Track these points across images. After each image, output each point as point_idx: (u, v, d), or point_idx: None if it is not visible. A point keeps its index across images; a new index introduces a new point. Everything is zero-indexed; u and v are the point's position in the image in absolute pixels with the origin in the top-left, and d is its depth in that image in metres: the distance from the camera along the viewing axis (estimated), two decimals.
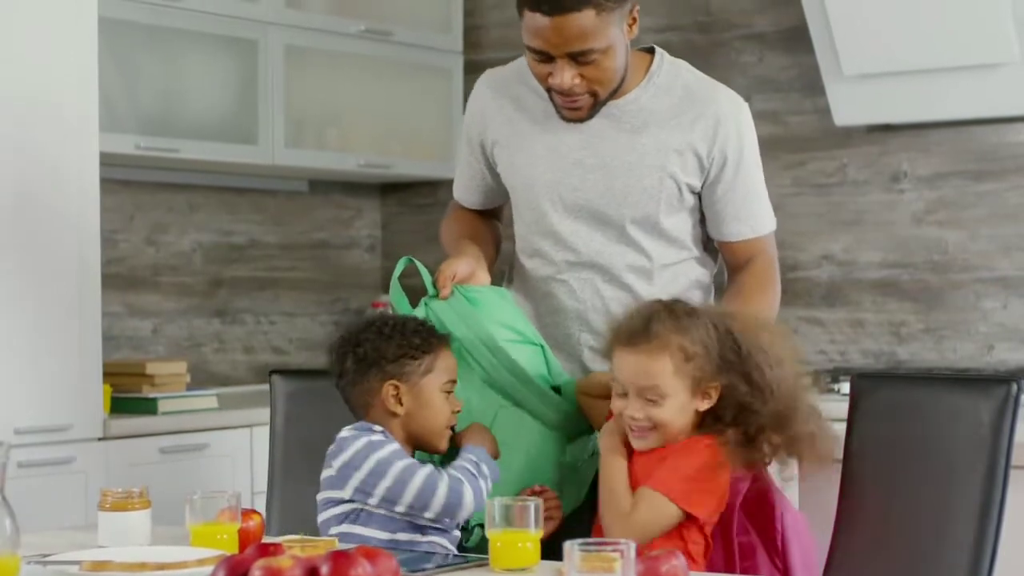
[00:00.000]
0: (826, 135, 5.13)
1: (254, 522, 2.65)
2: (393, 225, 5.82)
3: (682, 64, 3.05)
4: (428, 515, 2.68)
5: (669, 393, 2.68)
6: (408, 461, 2.70)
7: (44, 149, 4.08)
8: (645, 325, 2.71)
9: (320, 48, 5.15)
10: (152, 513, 2.68)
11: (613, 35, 2.85)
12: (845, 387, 4.53)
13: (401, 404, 2.77)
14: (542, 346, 2.94)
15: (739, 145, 3.00)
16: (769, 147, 5.26)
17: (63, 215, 4.11)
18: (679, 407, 2.69)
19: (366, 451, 2.70)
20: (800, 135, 5.20)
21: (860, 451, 2.84)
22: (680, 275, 3.04)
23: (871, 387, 2.88)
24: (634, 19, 2.91)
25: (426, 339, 2.80)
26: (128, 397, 4.46)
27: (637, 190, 2.96)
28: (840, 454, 2.87)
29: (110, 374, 4.40)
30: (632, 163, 2.96)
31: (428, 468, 2.69)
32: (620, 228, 2.99)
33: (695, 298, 3.01)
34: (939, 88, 4.77)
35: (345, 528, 2.71)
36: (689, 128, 2.97)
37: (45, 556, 2.52)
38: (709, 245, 3.10)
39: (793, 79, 5.20)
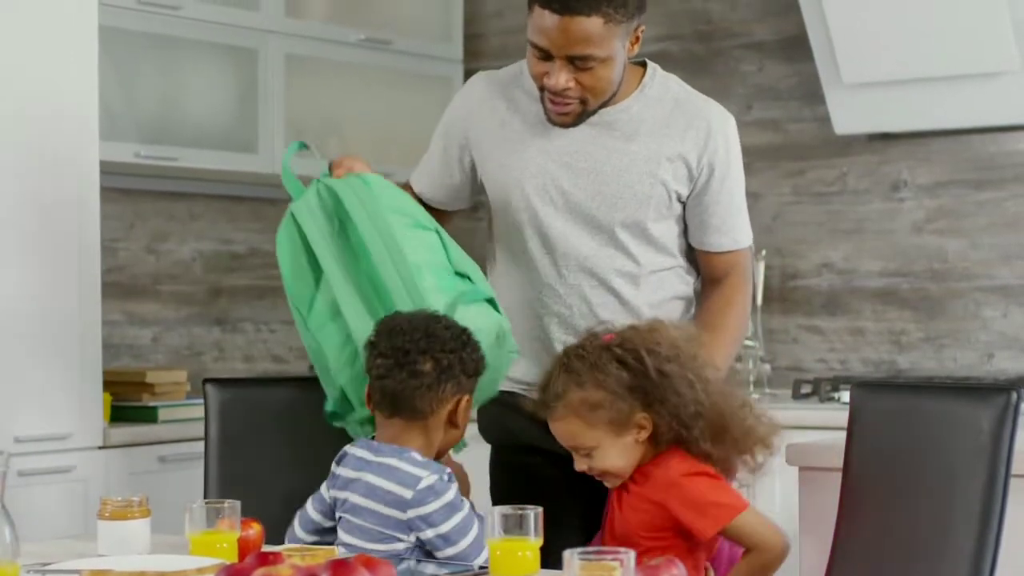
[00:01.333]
0: (826, 144, 5.14)
1: (254, 531, 2.65)
2: None
3: (673, 78, 3.11)
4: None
5: (594, 444, 2.73)
6: (475, 519, 2.73)
7: (44, 157, 4.08)
8: (546, 388, 2.78)
9: (320, 57, 5.15)
10: (152, 522, 2.68)
11: (615, 47, 2.89)
12: (845, 396, 4.54)
13: (461, 417, 2.78)
14: (437, 230, 2.96)
15: (727, 158, 3.06)
16: (769, 156, 5.28)
17: (63, 223, 4.11)
18: (615, 451, 2.74)
19: (448, 511, 2.70)
20: (800, 144, 5.20)
21: (860, 460, 2.84)
22: (665, 282, 3.09)
23: (871, 396, 2.88)
24: (637, 37, 2.96)
25: (481, 353, 2.82)
26: (128, 406, 4.46)
27: (628, 195, 3.00)
28: (841, 462, 2.87)
29: (110, 383, 4.40)
30: (623, 168, 3.00)
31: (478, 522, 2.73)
32: (610, 232, 3.01)
33: (677, 307, 3.09)
34: (939, 97, 4.77)
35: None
36: (680, 137, 3.02)
37: (45, 565, 2.52)
38: (692, 255, 3.14)
39: (793, 88, 5.21)
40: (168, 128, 4.74)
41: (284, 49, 5.03)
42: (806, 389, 4.81)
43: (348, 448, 2.82)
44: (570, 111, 2.96)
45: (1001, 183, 4.88)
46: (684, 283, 3.12)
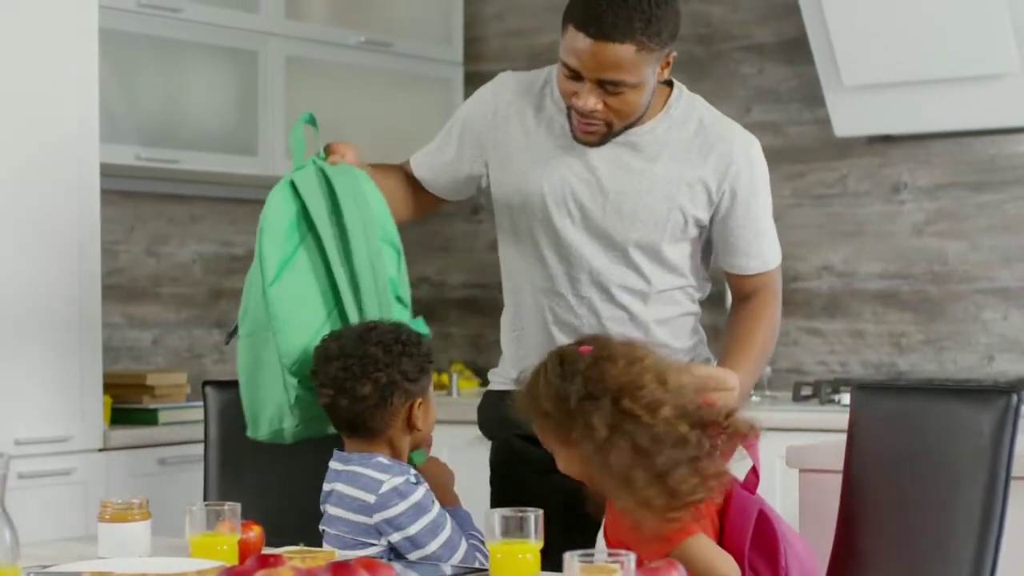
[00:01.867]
0: (826, 146, 5.14)
1: (254, 533, 2.65)
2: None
3: (698, 99, 3.09)
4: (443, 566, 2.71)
5: (551, 447, 2.68)
6: (447, 520, 2.75)
7: (45, 160, 4.08)
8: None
9: (320, 59, 5.15)
10: (152, 524, 2.68)
11: (646, 74, 2.89)
12: (845, 398, 4.54)
13: (420, 420, 2.80)
14: (399, 251, 2.99)
15: (751, 182, 3.04)
16: (769, 158, 5.24)
17: (64, 226, 4.11)
18: (565, 459, 2.65)
19: (415, 513, 2.71)
20: (800, 146, 5.20)
21: (860, 462, 2.84)
22: (674, 300, 3.11)
23: (871, 398, 2.88)
24: (668, 62, 2.95)
25: (425, 346, 2.83)
26: (128, 408, 4.46)
27: (645, 217, 3.01)
28: (841, 464, 2.87)
29: (110, 385, 4.41)
30: (643, 190, 3.00)
31: (459, 532, 2.76)
32: (623, 250, 3.03)
33: (686, 323, 3.14)
34: (939, 99, 4.77)
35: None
36: (702, 162, 3.01)
37: (45, 567, 2.52)
38: (702, 273, 3.16)
39: (793, 90, 5.21)
40: (168, 130, 4.74)
41: (284, 51, 5.03)
42: (806, 391, 4.81)
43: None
44: (595, 131, 2.96)
45: (1001, 185, 4.88)
46: (692, 300, 3.16)
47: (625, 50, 2.83)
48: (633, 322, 3.04)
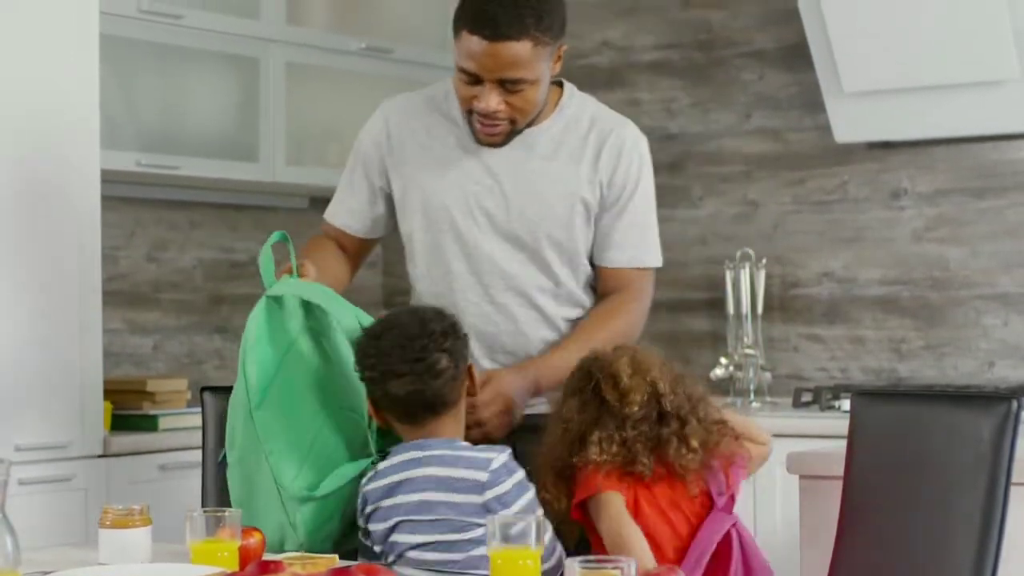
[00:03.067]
0: (826, 152, 5.14)
1: (255, 539, 2.65)
2: (393, 242, 5.80)
3: (590, 98, 3.16)
4: None
5: None
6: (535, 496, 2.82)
7: (45, 166, 4.09)
8: None
9: (321, 65, 5.16)
10: (153, 530, 2.68)
11: (542, 69, 2.96)
12: (846, 404, 4.54)
13: (476, 384, 2.88)
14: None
15: (637, 176, 3.12)
16: (769, 164, 5.28)
17: (64, 232, 4.12)
18: None
19: (518, 490, 2.75)
20: (800, 152, 5.20)
21: (861, 468, 2.84)
22: (577, 295, 3.14)
23: (872, 404, 2.88)
24: (559, 57, 3.02)
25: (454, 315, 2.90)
26: (129, 414, 4.46)
27: (551, 215, 3.05)
28: (841, 470, 2.87)
29: (111, 391, 4.40)
30: (545, 189, 3.06)
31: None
32: (534, 251, 3.07)
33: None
34: (939, 105, 4.77)
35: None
36: (595, 158, 3.08)
37: (46, 573, 2.52)
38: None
39: (793, 96, 5.21)
40: (169, 137, 4.75)
41: (285, 58, 5.03)
42: (807, 398, 4.82)
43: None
44: (500, 131, 3.01)
45: (1002, 191, 4.89)
46: (592, 296, 3.19)
47: (522, 47, 2.89)
48: (546, 321, 3.09)
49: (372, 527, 2.79)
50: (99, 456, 4.20)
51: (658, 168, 5.42)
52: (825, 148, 5.13)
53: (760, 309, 5.08)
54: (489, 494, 2.71)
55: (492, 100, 2.94)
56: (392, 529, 2.77)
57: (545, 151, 3.07)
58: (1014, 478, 2.68)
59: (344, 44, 5.21)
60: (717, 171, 5.35)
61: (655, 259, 3.18)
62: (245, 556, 2.58)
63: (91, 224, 4.18)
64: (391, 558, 2.77)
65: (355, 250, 3.29)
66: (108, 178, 4.45)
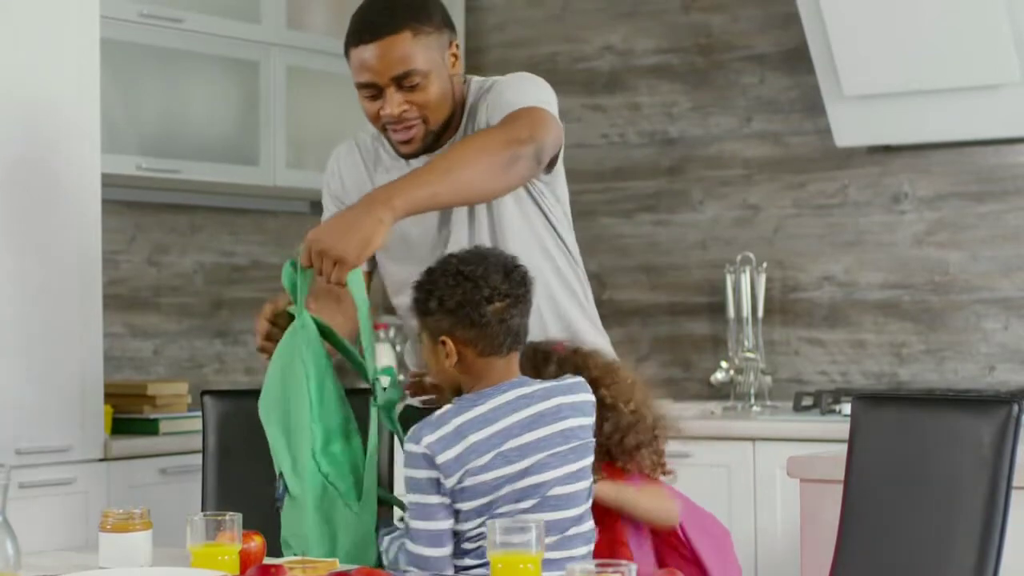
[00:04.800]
0: (827, 156, 5.14)
1: (255, 543, 2.65)
2: None
3: (486, 79, 3.12)
4: None
5: None
6: None
7: (46, 170, 4.08)
8: None
9: (322, 69, 5.16)
10: (153, 534, 2.68)
11: (432, 59, 2.98)
12: (846, 408, 4.54)
13: None
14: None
15: (503, 83, 3.06)
16: (770, 168, 5.28)
17: (65, 236, 4.12)
18: None
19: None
20: (801, 156, 5.21)
21: (861, 472, 2.84)
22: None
23: (872, 408, 2.88)
24: (455, 55, 3.04)
25: None
26: (129, 418, 4.46)
27: (501, 215, 3.04)
28: (842, 474, 2.87)
29: (111, 395, 4.40)
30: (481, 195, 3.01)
31: None
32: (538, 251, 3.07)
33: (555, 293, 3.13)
34: (940, 109, 4.77)
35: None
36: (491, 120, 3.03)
37: None
38: (562, 246, 3.13)
39: (794, 100, 5.21)
40: (170, 140, 4.75)
41: (286, 61, 5.03)
42: (807, 401, 4.81)
43: (470, 411, 2.66)
44: (414, 135, 3.01)
45: (1002, 195, 4.89)
46: (570, 278, 3.14)
47: (402, 39, 2.94)
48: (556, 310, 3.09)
49: (481, 478, 2.62)
50: (100, 460, 4.20)
51: (658, 172, 5.46)
52: (825, 152, 5.13)
53: (761, 313, 5.08)
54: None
55: (394, 103, 2.97)
56: (524, 472, 2.64)
57: None
58: (1015, 482, 2.68)
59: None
60: (717, 175, 5.35)
61: (529, 101, 3.02)
62: (246, 560, 2.58)
63: (92, 228, 4.18)
64: (517, 505, 2.63)
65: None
66: (109, 182, 4.45)
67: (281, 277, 2.84)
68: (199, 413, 3.40)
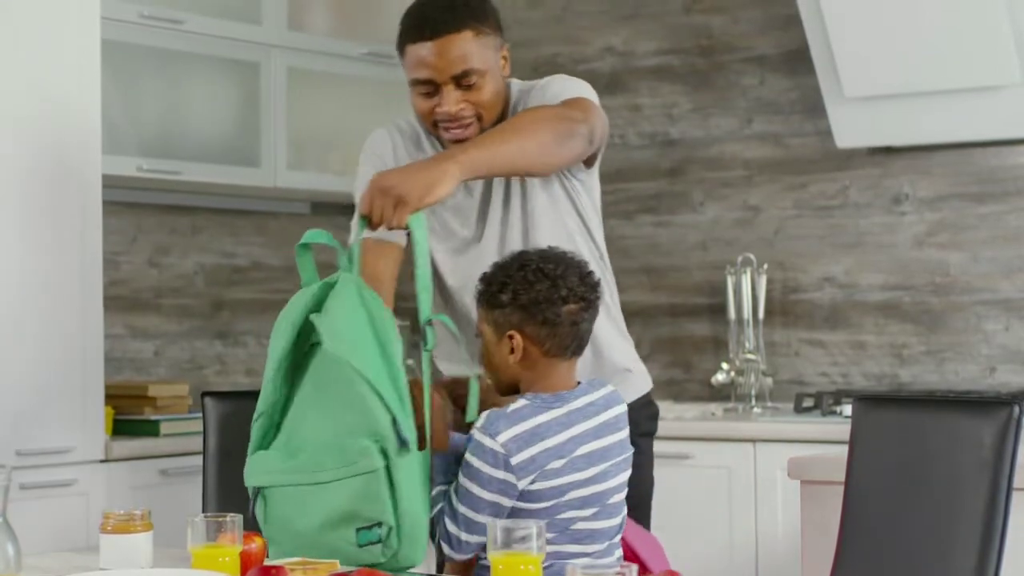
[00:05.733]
0: (827, 157, 5.14)
1: (256, 545, 2.65)
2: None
3: (525, 81, 3.14)
4: None
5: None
6: None
7: (47, 171, 4.09)
8: None
9: (322, 70, 5.16)
10: (154, 535, 2.68)
11: (489, 60, 2.99)
12: (847, 409, 4.54)
13: None
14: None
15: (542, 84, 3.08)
16: (770, 169, 5.28)
17: (66, 237, 4.12)
18: None
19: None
20: (801, 157, 5.21)
21: (862, 473, 2.84)
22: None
23: (873, 409, 2.88)
24: (505, 58, 3.05)
25: None
26: (130, 419, 4.47)
27: (534, 208, 3.04)
28: (843, 475, 2.87)
29: (112, 396, 4.41)
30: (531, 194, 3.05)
31: None
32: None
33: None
34: (941, 110, 4.77)
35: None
36: None
37: None
38: (593, 247, 3.15)
39: (794, 101, 5.21)
40: (170, 142, 4.75)
41: (286, 63, 5.04)
42: (808, 403, 4.81)
43: (543, 418, 2.61)
44: (469, 133, 3.01)
45: (1003, 196, 4.89)
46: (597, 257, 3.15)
47: (464, 38, 2.95)
48: None
49: (552, 483, 2.60)
50: (100, 461, 4.20)
51: (659, 173, 5.46)
52: (826, 153, 5.13)
53: (761, 314, 5.08)
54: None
55: (451, 101, 2.96)
56: (590, 479, 2.63)
57: None
58: (1016, 483, 2.68)
59: (345, 49, 5.22)
60: (718, 176, 5.35)
61: (587, 92, 3.08)
62: (246, 561, 2.58)
63: (93, 229, 4.18)
64: (580, 512, 2.62)
65: (397, 262, 3.11)
66: (109, 183, 4.46)
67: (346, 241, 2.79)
68: (200, 414, 3.40)
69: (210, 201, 5.22)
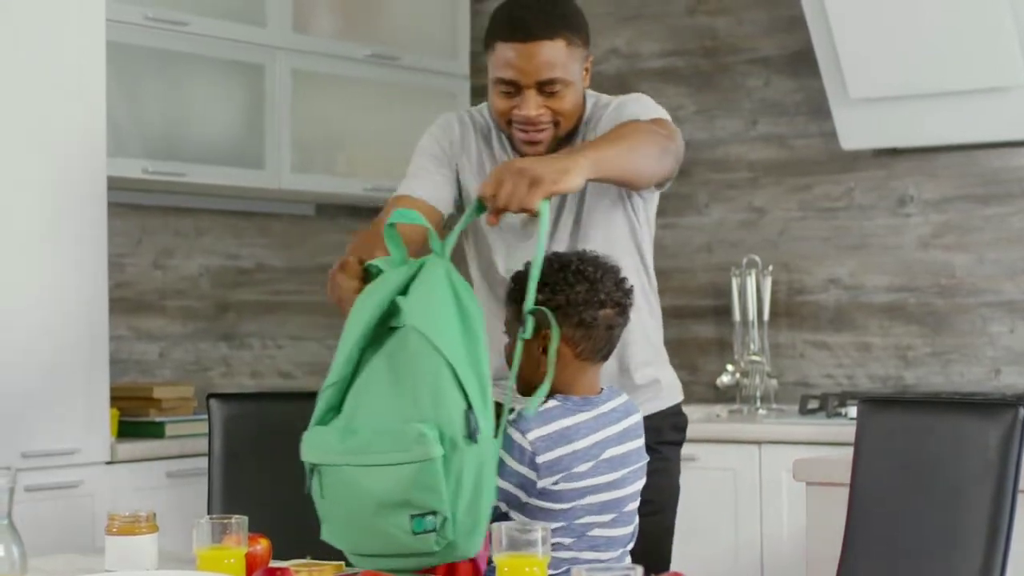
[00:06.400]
0: (832, 159, 5.14)
1: (261, 546, 2.65)
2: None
3: (600, 97, 3.13)
4: None
5: None
6: None
7: (52, 172, 4.09)
8: None
9: (327, 73, 5.16)
10: (159, 537, 2.68)
11: (575, 71, 2.98)
12: (852, 411, 4.54)
13: None
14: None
15: (617, 103, 3.07)
16: (775, 171, 5.28)
17: (71, 239, 4.12)
18: None
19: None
20: (806, 159, 5.20)
21: (867, 475, 2.84)
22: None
23: (878, 411, 2.88)
24: (587, 69, 3.04)
25: None
26: (135, 421, 4.47)
27: (589, 220, 3.05)
28: (848, 477, 2.87)
29: (117, 398, 4.41)
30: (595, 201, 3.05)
31: None
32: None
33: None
34: (946, 112, 4.77)
35: None
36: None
37: None
38: (641, 268, 3.15)
39: (799, 103, 5.21)
40: (175, 144, 4.75)
41: (291, 65, 5.04)
42: (813, 404, 4.81)
43: (567, 420, 2.60)
44: (543, 138, 3.00)
45: (1008, 198, 4.88)
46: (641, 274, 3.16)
47: (556, 47, 2.93)
48: None
49: (573, 485, 2.60)
50: (106, 463, 4.21)
51: None
52: (831, 155, 5.13)
53: (766, 316, 5.08)
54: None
55: (532, 105, 2.95)
56: (610, 484, 2.64)
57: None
58: (1021, 485, 2.68)
59: (350, 51, 5.22)
60: (723, 178, 5.35)
61: (656, 114, 3.06)
62: (251, 563, 2.58)
63: (98, 231, 4.18)
64: (599, 518, 2.62)
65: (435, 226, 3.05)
66: (114, 185, 4.46)
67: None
68: (205, 416, 3.40)
69: (215, 203, 5.22)
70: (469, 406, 2.44)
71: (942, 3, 4.61)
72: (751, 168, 5.30)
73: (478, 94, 5.53)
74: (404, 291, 2.56)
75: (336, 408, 2.56)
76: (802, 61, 5.15)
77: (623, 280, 2.69)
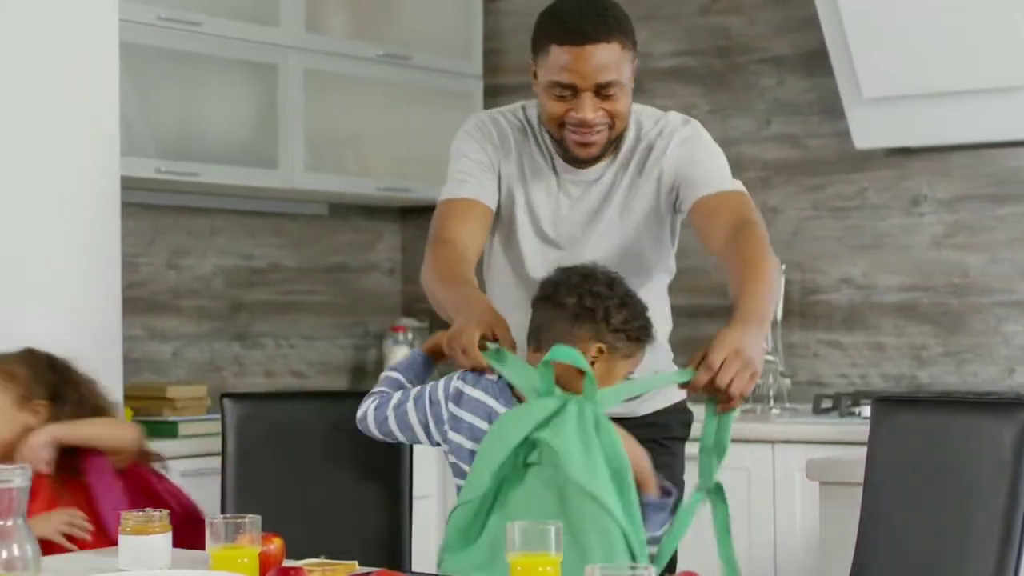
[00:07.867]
0: (846, 158, 5.13)
1: (275, 545, 2.65)
2: (412, 249, 5.83)
3: (644, 106, 3.17)
4: None
5: None
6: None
7: (65, 173, 4.10)
8: None
9: (340, 72, 5.16)
10: (172, 536, 2.69)
11: (627, 73, 2.99)
12: (866, 411, 4.53)
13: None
14: None
15: (689, 148, 3.12)
16: (788, 170, 5.28)
17: (84, 239, 4.13)
18: None
19: None
20: (820, 159, 5.20)
21: (881, 475, 2.84)
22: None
23: (892, 411, 2.88)
24: (634, 73, 3.05)
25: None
26: (149, 420, 4.47)
27: (639, 220, 3.14)
28: (861, 477, 2.87)
29: (131, 397, 4.41)
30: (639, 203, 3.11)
31: None
32: (648, 272, 3.23)
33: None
34: (959, 111, 4.76)
35: None
36: (639, 169, 3.09)
37: None
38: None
39: (812, 102, 5.20)
40: (188, 144, 4.76)
41: (304, 65, 5.04)
42: (826, 404, 4.81)
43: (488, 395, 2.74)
44: (598, 140, 3.00)
45: (1021, 197, 4.87)
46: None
47: (612, 49, 2.94)
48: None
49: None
50: None
51: None
52: (844, 154, 5.12)
53: (780, 315, 5.07)
54: None
55: (590, 108, 2.96)
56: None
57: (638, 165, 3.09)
58: None
59: (363, 51, 5.22)
60: (736, 177, 5.34)
61: (733, 184, 3.17)
62: (265, 562, 2.58)
63: (111, 231, 4.19)
64: None
65: (485, 222, 3.12)
66: (128, 185, 4.47)
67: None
68: (218, 416, 3.40)
69: (228, 203, 5.23)
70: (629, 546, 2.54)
71: (955, 3, 4.60)
72: (764, 168, 5.30)
73: (491, 94, 5.52)
74: (545, 423, 2.61)
75: (477, 527, 2.64)
76: (815, 61, 5.14)
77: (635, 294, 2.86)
